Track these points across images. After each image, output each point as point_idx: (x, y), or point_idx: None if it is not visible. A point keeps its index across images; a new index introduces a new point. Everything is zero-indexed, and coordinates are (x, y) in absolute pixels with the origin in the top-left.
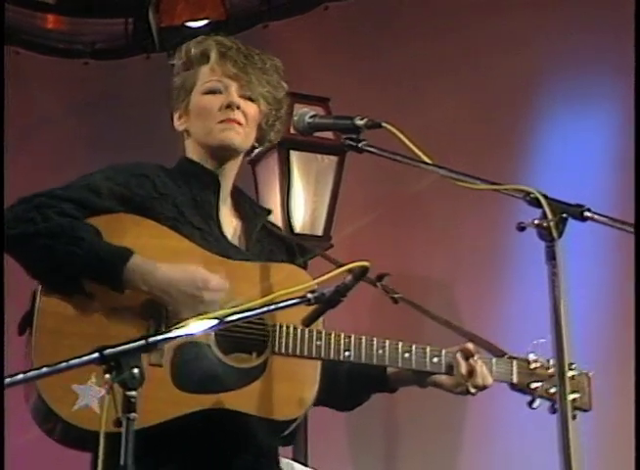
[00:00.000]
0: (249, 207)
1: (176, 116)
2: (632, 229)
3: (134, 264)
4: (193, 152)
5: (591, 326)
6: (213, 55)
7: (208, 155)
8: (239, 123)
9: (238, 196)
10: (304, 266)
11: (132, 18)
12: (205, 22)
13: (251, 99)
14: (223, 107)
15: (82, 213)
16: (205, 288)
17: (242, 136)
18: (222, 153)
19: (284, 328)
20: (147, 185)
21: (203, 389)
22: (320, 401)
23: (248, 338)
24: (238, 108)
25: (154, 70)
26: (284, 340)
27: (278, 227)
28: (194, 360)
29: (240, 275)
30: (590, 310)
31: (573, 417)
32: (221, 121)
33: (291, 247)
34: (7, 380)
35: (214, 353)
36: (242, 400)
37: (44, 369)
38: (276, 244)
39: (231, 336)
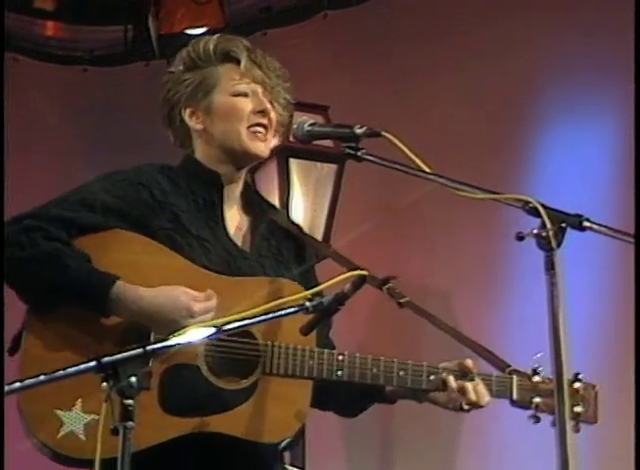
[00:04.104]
0: (257, 204)
1: (188, 111)
2: (632, 239)
3: (118, 291)
4: (204, 153)
5: (590, 336)
6: (244, 57)
7: (227, 158)
8: (266, 128)
9: (249, 194)
10: (312, 269)
11: (131, 25)
12: (204, 29)
13: (271, 105)
14: (255, 111)
15: (73, 233)
16: (188, 315)
17: (267, 144)
18: (244, 160)
19: (275, 348)
20: (144, 195)
21: (191, 412)
22: (323, 407)
23: (239, 358)
24: (268, 114)
25: (153, 78)
26: (275, 360)
27: (296, 225)
28: (182, 383)
29: (234, 292)
30: (590, 320)
31: (577, 430)
32: (252, 126)
33: (302, 246)
34: (5, 388)
35: (204, 375)
36: (231, 423)
37: (42, 377)
38: (285, 242)
39: (222, 357)
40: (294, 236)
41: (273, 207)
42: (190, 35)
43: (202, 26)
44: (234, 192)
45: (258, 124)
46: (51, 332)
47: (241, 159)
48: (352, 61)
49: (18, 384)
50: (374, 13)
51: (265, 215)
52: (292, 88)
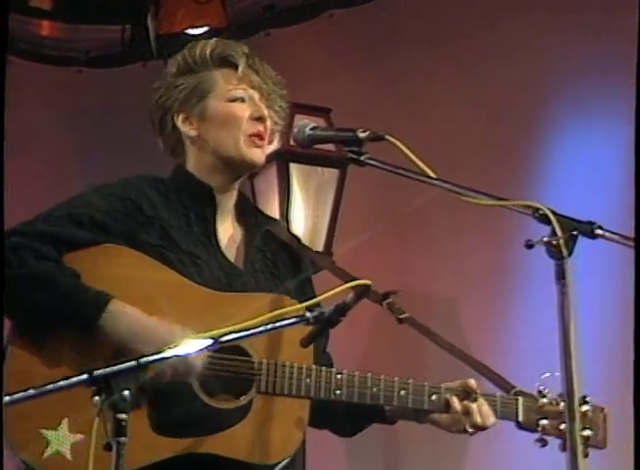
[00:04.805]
0: (252, 216)
1: (181, 117)
2: (632, 244)
3: (113, 308)
4: (197, 161)
5: (602, 347)
6: (242, 62)
7: (221, 167)
8: (263, 138)
9: (243, 204)
10: (310, 282)
11: (130, 24)
12: (205, 29)
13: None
14: (253, 117)
15: (62, 250)
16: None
17: (263, 151)
18: (240, 168)
19: (271, 366)
20: (132, 210)
21: (183, 432)
22: (318, 426)
23: (233, 377)
24: (265, 121)
25: (150, 79)
26: (270, 378)
27: (294, 236)
28: (173, 402)
29: (229, 307)
30: (601, 331)
31: (586, 455)
32: (250, 135)
33: (298, 258)
34: None
35: (196, 394)
36: (224, 444)
37: (31, 391)
38: (280, 255)
39: (215, 375)
40: (290, 247)
41: (268, 217)
42: (190, 35)
43: (203, 26)
44: (228, 203)
45: (256, 134)
46: (36, 347)
47: (237, 166)
48: (359, 61)
49: (7, 398)
50: (382, 12)
51: (260, 227)
52: (293, 91)
